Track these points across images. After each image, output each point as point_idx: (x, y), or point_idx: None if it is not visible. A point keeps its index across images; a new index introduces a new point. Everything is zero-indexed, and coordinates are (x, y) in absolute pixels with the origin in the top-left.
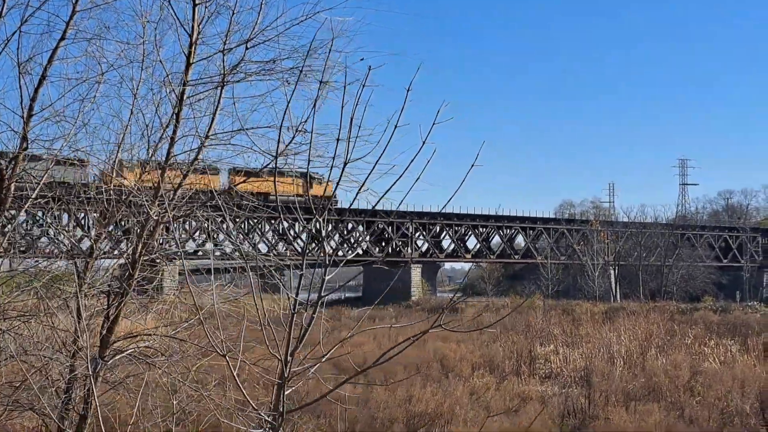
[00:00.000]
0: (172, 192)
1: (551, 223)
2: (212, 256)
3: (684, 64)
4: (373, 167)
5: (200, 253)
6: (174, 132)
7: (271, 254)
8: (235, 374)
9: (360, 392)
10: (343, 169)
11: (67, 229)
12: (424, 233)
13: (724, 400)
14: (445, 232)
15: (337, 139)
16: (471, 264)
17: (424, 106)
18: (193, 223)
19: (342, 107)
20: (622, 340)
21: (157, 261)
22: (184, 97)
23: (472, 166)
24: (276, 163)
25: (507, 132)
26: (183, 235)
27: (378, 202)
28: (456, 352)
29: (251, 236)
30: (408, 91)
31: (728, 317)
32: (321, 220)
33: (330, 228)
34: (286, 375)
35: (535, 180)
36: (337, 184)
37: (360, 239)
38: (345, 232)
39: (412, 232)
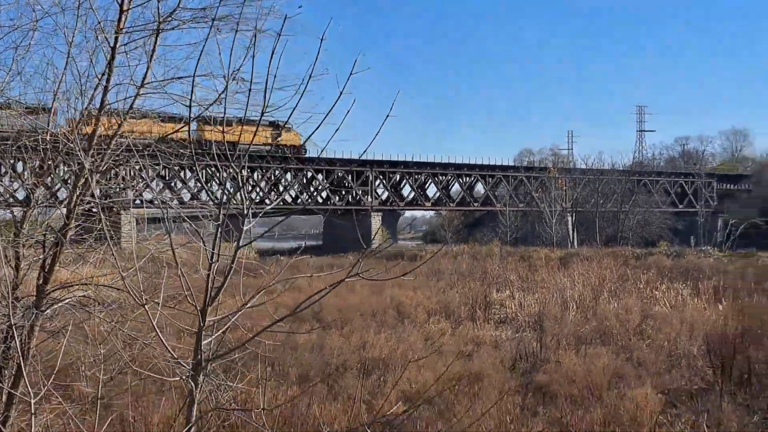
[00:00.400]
0: (108, 140)
1: (510, 170)
2: (136, 203)
3: (641, 12)
4: (290, 115)
5: (156, 202)
6: (108, 81)
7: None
8: (154, 323)
9: (315, 339)
10: (261, 116)
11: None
12: (385, 182)
13: (673, 343)
14: (405, 181)
15: (249, 90)
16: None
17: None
18: (150, 171)
19: (252, 57)
20: (575, 285)
21: (95, 210)
22: (118, 45)
23: (387, 116)
24: (190, 114)
25: (470, 82)
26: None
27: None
28: (412, 299)
29: (209, 184)
30: (321, 41)
31: (681, 262)
32: (236, 168)
33: (290, 176)
34: (202, 324)
35: (495, 128)
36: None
37: (320, 188)
38: (305, 181)
39: (372, 181)
